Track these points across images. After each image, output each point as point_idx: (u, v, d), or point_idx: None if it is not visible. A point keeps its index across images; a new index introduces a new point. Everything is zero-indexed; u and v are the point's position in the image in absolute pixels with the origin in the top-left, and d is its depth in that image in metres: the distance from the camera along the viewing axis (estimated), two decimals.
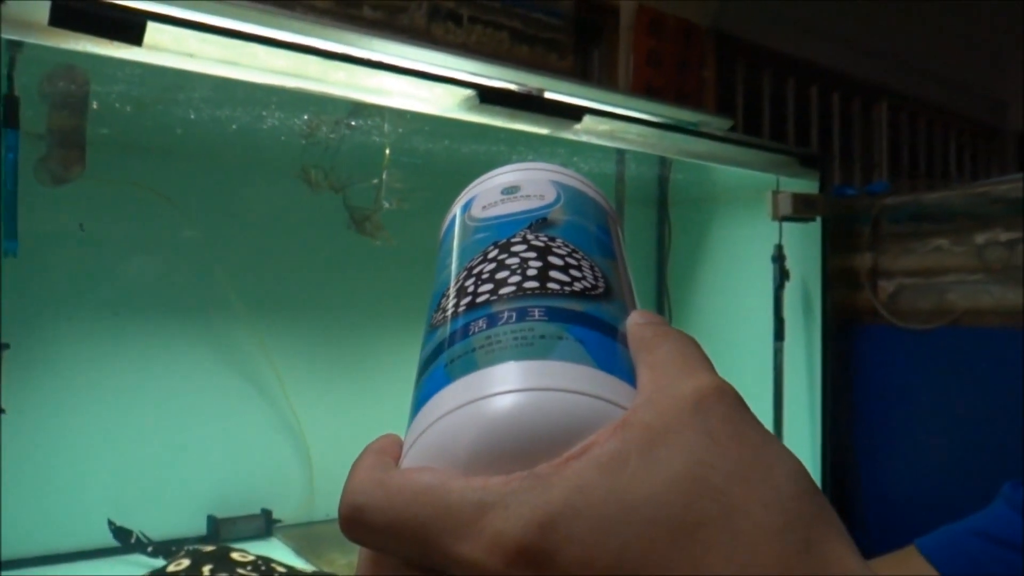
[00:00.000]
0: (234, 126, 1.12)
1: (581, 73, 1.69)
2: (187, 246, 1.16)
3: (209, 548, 0.95)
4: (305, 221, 1.25)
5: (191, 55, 0.81)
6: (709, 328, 1.49)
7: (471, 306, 0.25)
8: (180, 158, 1.17)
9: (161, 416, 1.13)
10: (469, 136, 1.22)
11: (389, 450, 0.24)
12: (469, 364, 0.23)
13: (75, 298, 1.08)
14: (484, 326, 0.24)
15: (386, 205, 1.19)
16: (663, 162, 1.51)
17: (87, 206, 1.07)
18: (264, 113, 1.11)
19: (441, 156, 1.23)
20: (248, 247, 1.22)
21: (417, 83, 0.97)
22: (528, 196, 0.31)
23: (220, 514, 1.16)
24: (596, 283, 0.26)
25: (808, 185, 1.40)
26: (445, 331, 0.25)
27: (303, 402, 1.24)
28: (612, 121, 1.14)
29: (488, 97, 1.02)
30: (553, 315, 0.24)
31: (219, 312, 1.19)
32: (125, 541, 1.03)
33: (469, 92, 1.01)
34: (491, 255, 0.27)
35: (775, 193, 1.33)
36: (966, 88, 2.67)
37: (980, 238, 1.37)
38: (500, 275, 0.26)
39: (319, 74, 0.92)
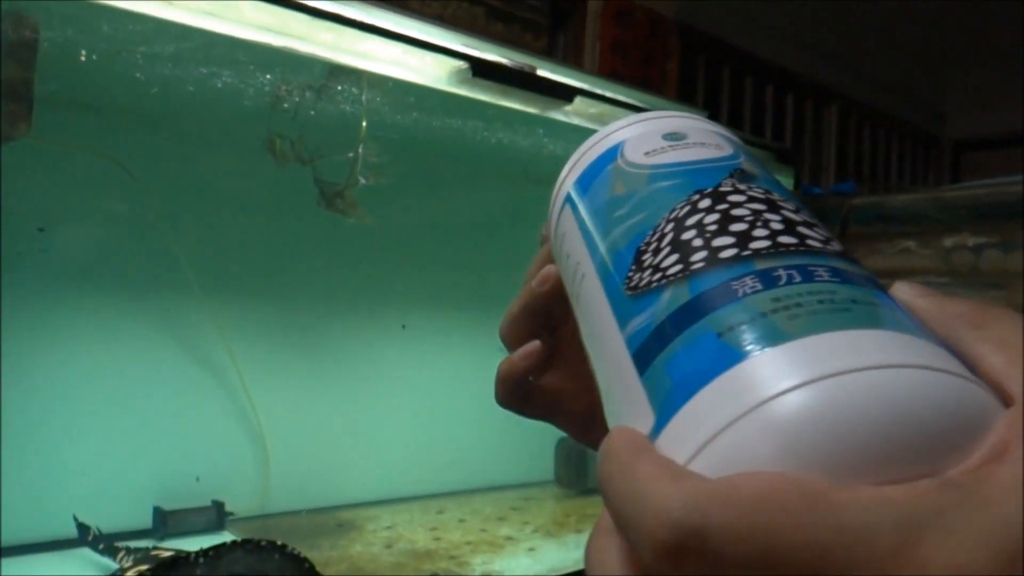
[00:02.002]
0: (191, 87, 1.03)
1: (547, 57, 1.64)
2: (139, 218, 1.06)
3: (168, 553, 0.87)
4: (269, 195, 1.17)
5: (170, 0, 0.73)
6: None
7: (717, 262, 0.22)
8: (133, 121, 1.07)
9: (104, 400, 1.04)
10: (447, 111, 1.16)
11: (650, 448, 0.19)
12: (771, 332, 0.19)
13: (9, 272, 0.97)
14: (759, 286, 0.20)
15: (362, 181, 1.12)
16: None
17: (30, 169, 0.97)
18: (227, 74, 1.03)
19: (419, 131, 1.17)
20: (206, 221, 1.13)
21: (409, 51, 0.91)
22: (702, 144, 0.29)
23: (167, 506, 1.07)
24: (837, 242, 0.23)
25: (784, 181, 1.39)
26: (682, 292, 0.21)
27: (260, 389, 1.16)
28: (602, 104, 1.09)
29: (481, 70, 0.96)
30: (839, 275, 0.21)
31: (172, 291, 1.09)
32: (84, 537, 0.95)
33: (462, 64, 0.95)
34: (703, 204, 0.25)
35: None
36: (910, 96, 2.74)
37: (948, 241, 1.38)
38: (736, 227, 0.23)
39: (305, 33, 0.85)
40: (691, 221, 0.24)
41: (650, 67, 2.10)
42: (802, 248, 0.22)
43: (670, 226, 0.24)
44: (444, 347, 1.34)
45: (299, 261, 1.21)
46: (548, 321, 0.41)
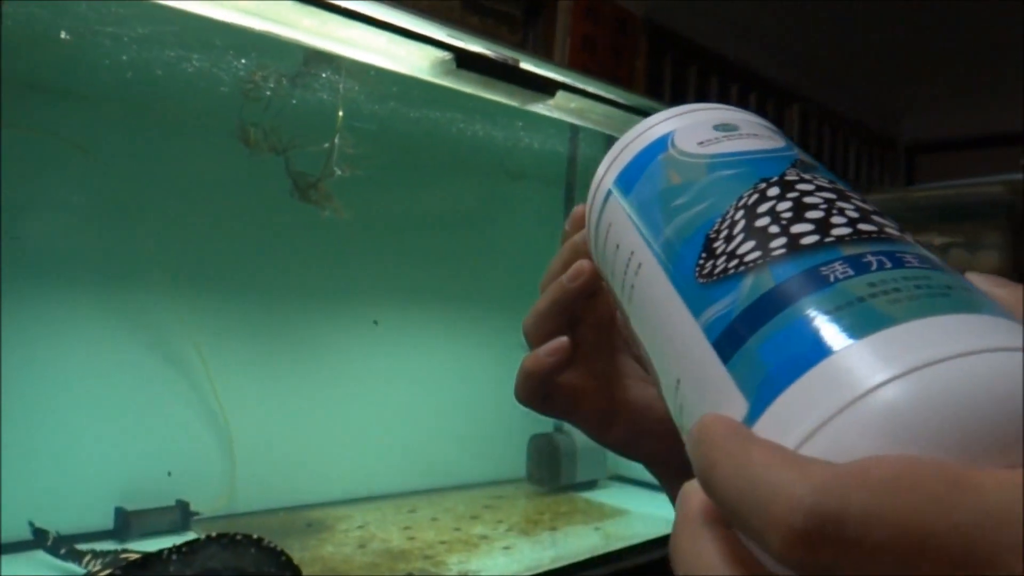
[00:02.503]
0: (159, 71, 0.99)
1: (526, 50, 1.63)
2: (104, 206, 1.02)
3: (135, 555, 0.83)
4: (240, 185, 1.13)
5: None
6: None
7: (800, 248, 0.21)
8: (101, 106, 1.03)
9: (64, 397, 0.99)
10: (426, 103, 1.14)
11: (754, 434, 0.18)
12: (874, 316, 0.18)
13: None
14: (851, 271, 0.20)
15: (338, 172, 1.09)
16: (609, 146, 1.47)
17: None
18: (198, 58, 0.99)
19: (396, 122, 1.15)
20: (174, 211, 1.09)
21: (395, 40, 0.88)
22: (755, 135, 0.29)
23: (130, 506, 1.03)
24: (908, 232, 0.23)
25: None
26: (766, 278, 0.21)
27: (227, 385, 1.13)
28: (583, 99, 1.08)
29: (465, 62, 0.94)
30: (927, 262, 0.21)
31: (137, 283, 1.05)
32: (42, 543, 0.91)
33: (446, 55, 0.93)
34: (772, 193, 0.24)
35: None
36: (867, 99, 2.79)
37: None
38: (813, 215, 0.23)
39: (289, 18, 0.82)
40: (763, 208, 0.24)
41: (619, 64, 2.10)
42: (883, 236, 0.22)
43: (740, 213, 0.24)
44: (417, 343, 1.32)
45: (269, 254, 1.17)
46: (574, 318, 0.40)
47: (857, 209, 0.23)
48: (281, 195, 1.11)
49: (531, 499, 1.32)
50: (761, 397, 0.19)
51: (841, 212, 0.23)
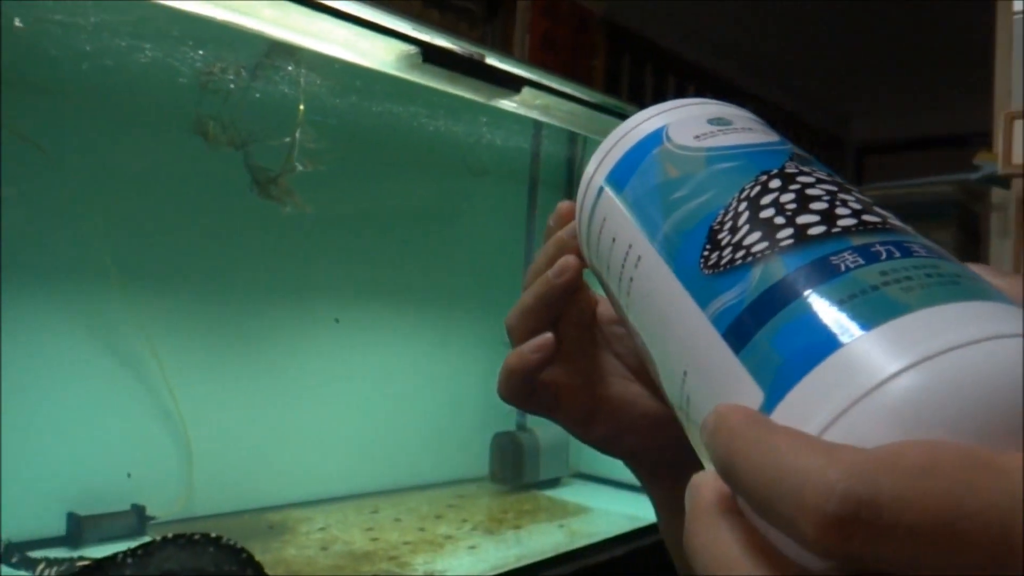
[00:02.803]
0: (109, 62, 0.96)
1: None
2: (56, 201, 0.98)
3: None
4: (197, 179, 1.10)
5: None
6: None
7: (808, 239, 0.22)
8: (52, 97, 0.99)
9: (12, 397, 0.95)
10: (389, 97, 1.13)
11: (774, 422, 0.18)
12: (889, 304, 0.19)
13: None
14: (861, 261, 0.20)
15: (299, 167, 1.07)
16: (573, 143, 1.48)
17: None
18: (152, 49, 0.96)
19: (358, 117, 1.13)
20: (127, 205, 1.05)
21: (359, 33, 0.87)
22: (749, 129, 0.30)
23: (83, 511, 1.00)
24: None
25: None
26: (775, 267, 0.21)
27: (184, 384, 1.10)
28: (548, 96, 1.08)
29: (432, 56, 0.93)
30: (933, 252, 0.21)
31: (91, 280, 1.02)
32: None
33: (412, 49, 0.92)
34: (773, 185, 0.25)
35: None
36: (817, 100, 2.85)
37: None
38: (817, 206, 0.23)
39: (249, 8, 0.80)
40: (766, 200, 0.24)
41: (577, 62, 2.11)
42: (888, 226, 0.22)
43: (744, 205, 0.24)
44: (379, 341, 1.30)
45: (228, 250, 1.15)
46: (557, 315, 0.40)
47: (858, 201, 0.24)
48: (240, 190, 1.09)
49: (494, 498, 1.32)
50: (777, 386, 0.19)
51: (844, 204, 0.23)
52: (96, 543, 0.98)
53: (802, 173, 0.25)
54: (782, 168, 0.26)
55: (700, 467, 0.47)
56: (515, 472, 1.32)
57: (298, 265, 1.21)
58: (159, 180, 1.08)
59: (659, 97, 2.30)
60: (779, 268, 0.21)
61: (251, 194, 1.09)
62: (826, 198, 0.23)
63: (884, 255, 0.20)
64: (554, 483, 1.39)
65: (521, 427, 1.38)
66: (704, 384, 0.23)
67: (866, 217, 0.22)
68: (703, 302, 0.23)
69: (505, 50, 1.76)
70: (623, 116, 1.21)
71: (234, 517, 1.12)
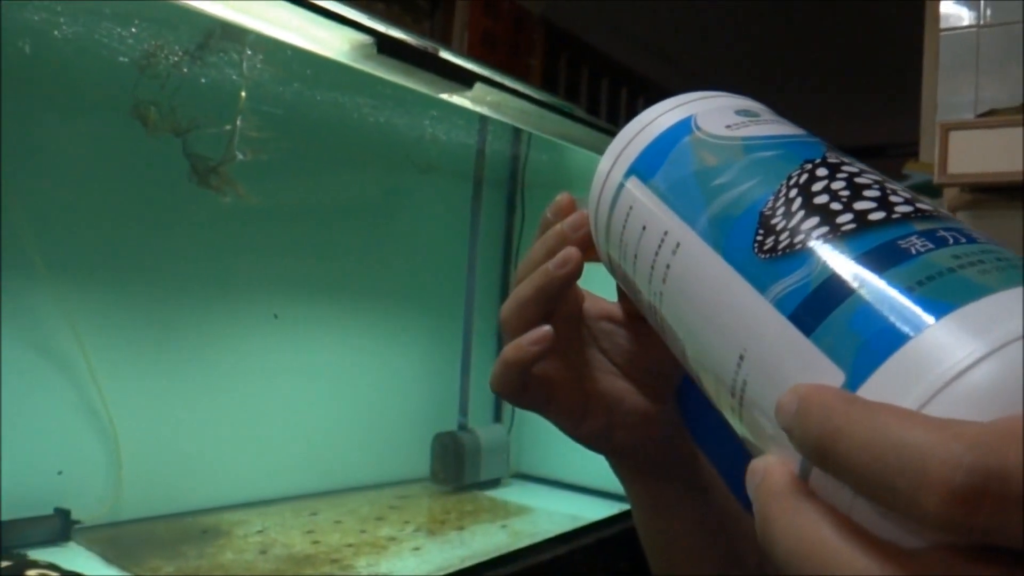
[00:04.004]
0: (25, 44, 0.90)
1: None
2: None
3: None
4: (133, 167, 1.05)
5: None
6: None
7: (870, 224, 0.22)
8: None
9: None
10: (337, 88, 1.10)
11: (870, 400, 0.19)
12: (970, 285, 0.19)
13: None
14: (930, 245, 0.21)
15: (239, 156, 1.03)
16: (517, 140, 1.47)
17: None
18: (85, 28, 0.91)
19: (303, 107, 1.09)
20: (57, 194, 0.99)
21: (313, 20, 0.84)
22: (778, 122, 0.30)
23: (3, 516, 0.94)
24: None
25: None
26: (841, 251, 0.22)
27: (113, 383, 1.04)
28: (500, 92, 1.07)
29: (386, 47, 0.91)
30: (989, 240, 0.22)
31: (14, 272, 0.96)
32: None
33: (367, 39, 0.89)
34: (821, 173, 0.25)
35: None
36: None
37: None
38: (870, 193, 0.24)
39: None
40: (817, 187, 0.25)
41: (516, 60, 2.11)
42: (940, 214, 0.23)
43: (794, 191, 0.25)
44: (319, 338, 1.27)
45: (162, 241, 1.09)
46: (554, 307, 0.39)
47: (905, 190, 0.24)
48: (177, 179, 1.04)
49: (436, 498, 1.30)
50: (860, 366, 0.19)
51: (895, 192, 0.24)
52: (17, 548, 0.92)
53: (844, 163, 0.26)
54: (824, 158, 0.26)
55: (688, 465, 0.47)
56: (456, 473, 1.31)
57: (236, 258, 1.16)
58: (90, 166, 1.02)
59: (593, 99, 2.32)
60: (844, 251, 0.22)
61: (190, 183, 1.05)
62: (876, 186, 0.24)
63: (951, 240, 0.21)
64: (495, 484, 1.39)
65: (462, 427, 1.36)
66: (768, 366, 0.23)
67: (919, 205, 0.23)
68: (762, 286, 0.23)
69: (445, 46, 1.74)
70: (572, 116, 1.22)
71: (165, 521, 1.07)
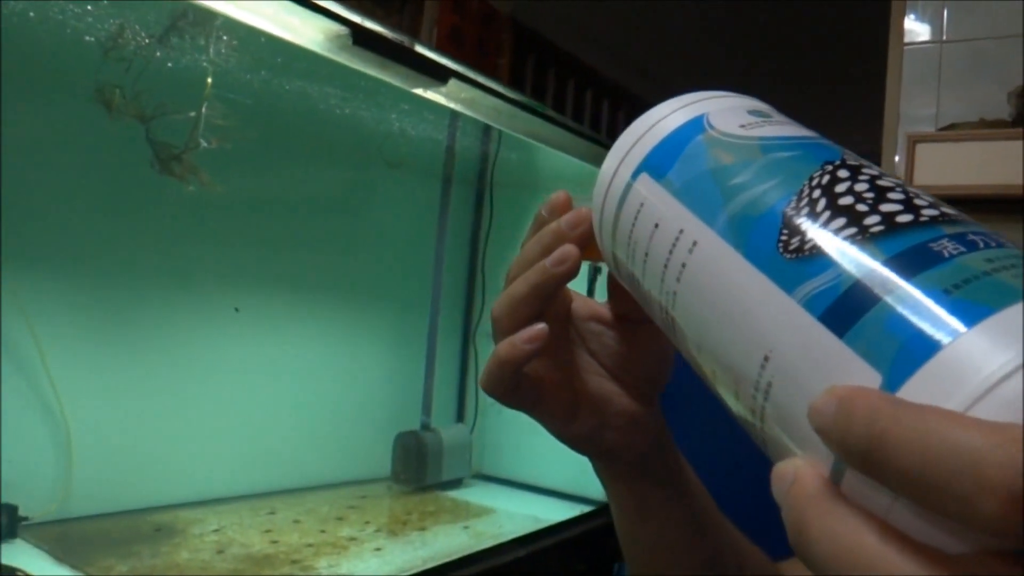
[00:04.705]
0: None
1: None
2: None
3: None
4: (93, 153, 1.01)
5: None
6: None
7: (898, 226, 0.22)
8: None
9: None
10: (308, 79, 1.08)
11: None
12: (1008, 289, 0.19)
13: None
14: (962, 248, 0.21)
15: (204, 144, 1.00)
16: (488, 138, 1.46)
17: None
18: (40, 4, 0.88)
19: (272, 96, 1.07)
20: (10, 178, 0.95)
21: (289, 7, 0.82)
22: (790, 123, 0.30)
23: None
24: None
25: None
26: (872, 252, 0.21)
27: (66, 375, 1.01)
28: (474, 89, 1.06)
29: (361, 39, 0.89)
30: (1016, 245, 0.22)
31: None
32: None
33: (342, 30, 0.88)
34: (842, 174, 0.25)
35: None
36: None
37: None
38: (895, 196, 0.23)
39: None
40: (840, 188, 0.24)
41: (483, 59, 2.09)
42: (964, 219, 0.23)
43: (817, 192, 0.25)
44: (280, 334, 1.24)
45: (122, 230, 1.06)
46: (548, 306, 0.39)
47: (927, 194, 0.24)
48: (139, 166, 1.01)
49: (396, 499, 1.28)
50: (898, 369, 0.19)
51: (918, 195, 0.24)
52: None
53: (864, 166, 0.26)
54: (843, 160, 0.26)
55: (673, 468, 0.47)
56: (418, 473, 1.29)
57: (198, 249, 1.13)
58: (47, 150, 0.98)
59: (559, 100, 2.32)
60: (875, 253, 0.22)
61: (151, 171, 1.01)
62: (899, 190, 0.24)
63: (982, 244, 0.21)
64: (456, 484, 1.37)
65: (425, 427, 1.35)
66: (797, 367, 0.22)
67: (944, 209, 0.23)
68: (788, 286, 0.23)
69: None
70: (544, 116, 1.21)
71: (117, 518, 1.04)
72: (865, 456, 0.18)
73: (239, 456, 1.19)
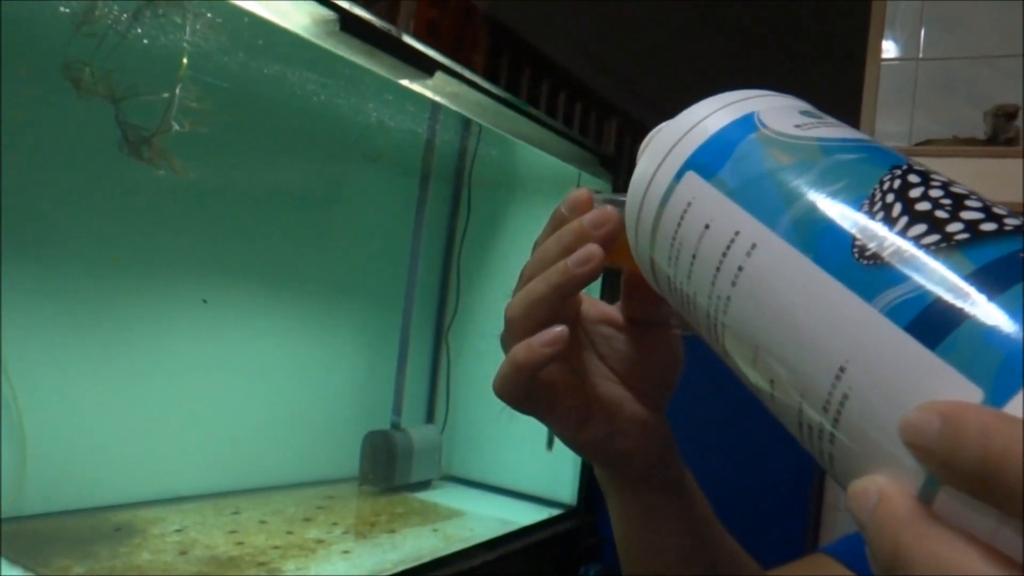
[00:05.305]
0: None
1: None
2: None
3: None
4: (58, 132, 0.97)
5: None
6: (499, 318, 1.45)
7: (984, 234, 0.21)
8: None
9: None
10: (288, 64, 1.04)
11: None
12: None
13: None
14: None
15: (176, 127, 0.96)
16: (468, 133, 1.44)
17: None
18: None
19: (250, 81, 1.03)
20: None
21: None
22: (841, 126, 0.29)
23: None
24: None
25: (603, 186, 1.42)
26: (958, 261, 0.21)
27: (22, 366, 0.96)
28: (460, 84, 1.04)
29: (349, 25, 0.86)
30: None
31: None
32: None
33: (330, 15, 0.85)
34: (913, 179, 0.24)
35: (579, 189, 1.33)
36: None
37: None
38: (973, 204, 0.23)
39: None
40: (915, 194, 0.24)
41: (459, 55, 2.07)
42: None
43: (891, 196, 0.24)
44: (249, 328, 1.20)
45: (84, 214, 1.01)
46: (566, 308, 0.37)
47: (1001, 205, 0.23)
48: (107, 148, 0.96)
49: (365, 500, 1.25)
50: (1002, 383, 0.18)
51: (993, 204, 0.23)
52: None
53: (933, 172, 0.25)
54: (911, 165, 0.25)
55: (678, 476, 0.45)
56: (387, 473, 1.26)
57: (166, 237, 1.09)
58: (6, 127, 0.93)
59: (532, 101, 2.30)
60: (963, 262, 0.21)
61: (119, 153, 0.97)
62: (975, 197, 0.23)
63: None
64: (425, 485, 1.35)
65: (395, 427, 1.32)
66: (882, 380, 0.21)
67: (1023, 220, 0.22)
68: (867, 294, 0.22)
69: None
70: (529, 116, 1.19)
71: (74, 516, 0.99)
72: (976, 476, 0.17)
73: (203, 453, 1.15)
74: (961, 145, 1.31)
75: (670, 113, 0.35)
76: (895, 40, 1.45)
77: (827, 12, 2.43)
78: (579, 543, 1.37)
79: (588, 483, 1.41)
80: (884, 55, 1.45)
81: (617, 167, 1.46)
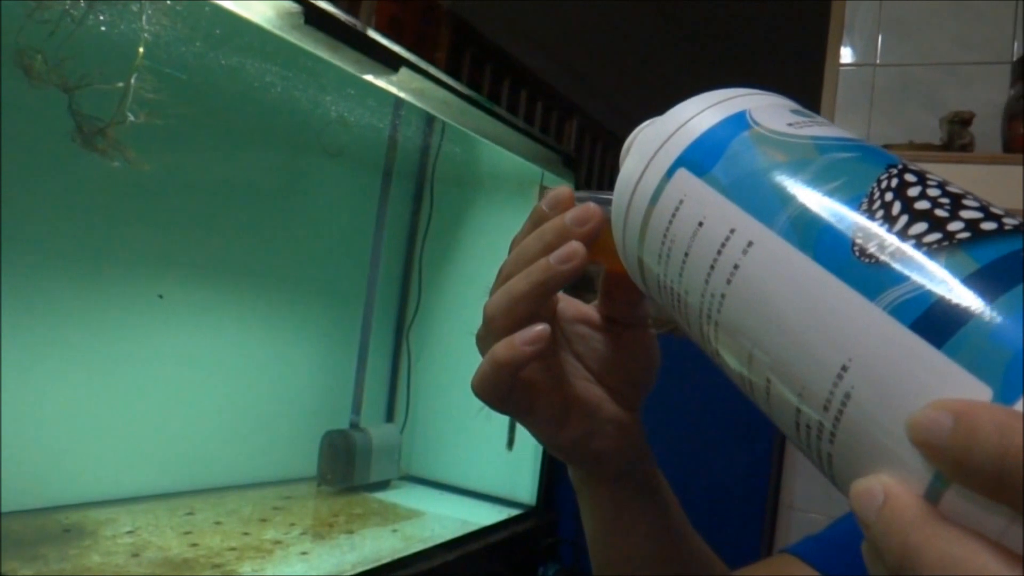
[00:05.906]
0: None
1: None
2: None
3: None
4: (8, 121, 0.93)
5: None
6: (460, 317, 1.44)
7: (985, 233, 0.21)
8: None
9: None
10: (248, 56, 1.02)
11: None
12: None
13: None
14: None
15: (131, 118, 0.94)
16: (431, 130, 1.43)
17: None
18: None
19: (209, 73, 1.01)
20: None
21: None
22: (833, 125, 0.29)
23: None
24: None
25: (565, 185, 1.43)
26: (961, 260, 0.21)
27: None
28: (425, 80, 1.03)
29: (313, 18, 0.85)
30: None
31: None
32: None
33: (295, 7, 0.83)
34: (910, 178, 0.24)
35: (544, 188, 1.33)
36: (639, 120, 2.99)
37: None
38: (971, 203, 0.23)
39: None
40: (913, 192, 0.24)
41: (421, 52, 2.05)
42: None
43: (890, 195, 0.24)
44: (205, 324, 1.18)
45: (37, 208, 0.98)
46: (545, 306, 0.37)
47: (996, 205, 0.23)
48: (59, 139, 0.94)
49: (322, 500, 1.23)
50: (1011, 381, 0.18)
51: (990, 204, 0.23)
52: None
53: (927, 172, 0.25)
54: (906, 165, 0.25)
55: (652, 476, 0.45)
56: (346, 473, 1.25)
57: (120, 230, 1.06)
58: None
59: (493, 99, 2.29)
60: (967, 261, 0.21)
61: (72, 144, 0.94)
62: (971, 197, 0.23)
63: None
64: (384, 485, 1.33)
65: (354, 426, 1.30)
66: (886, 378, 0.21)
67: (1020, 220, 0.22)
68: (870, 292, 0.22)
69: None
70: (493, 114, 1.19)
71: (21, 516, 0.96)
72: (992, 475, 0.17)
73: (156, 452, 1.12)
74: (917, 150, 1.34)
75: (629, 113, 0.35)
76: (852, 46, 1.48)
77: (786, 14, 2.47)
78: (537, 543, 1.37)
79: (547, 483, 1.41)
80: (842, 60, 1.47)
81: (578, 166, 1.46)
